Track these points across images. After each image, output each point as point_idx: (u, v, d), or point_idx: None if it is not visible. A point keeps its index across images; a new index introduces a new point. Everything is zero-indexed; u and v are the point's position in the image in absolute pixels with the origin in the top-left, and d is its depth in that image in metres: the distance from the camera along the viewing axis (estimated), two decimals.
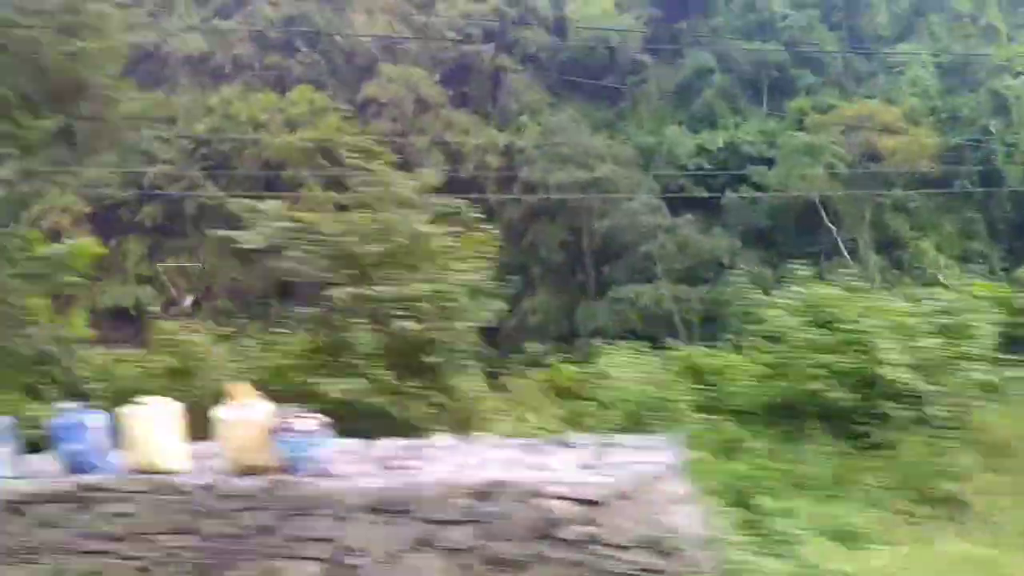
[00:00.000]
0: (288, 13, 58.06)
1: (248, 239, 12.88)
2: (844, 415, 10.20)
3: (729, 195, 45.21)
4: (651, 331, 34.18)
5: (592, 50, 55.17)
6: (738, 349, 13.97)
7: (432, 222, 12.68)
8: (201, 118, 52.29)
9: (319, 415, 5.76)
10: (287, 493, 5.35)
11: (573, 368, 15.19)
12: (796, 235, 45.15)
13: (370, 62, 55.13)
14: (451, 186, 49.69)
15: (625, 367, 13.21)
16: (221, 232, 15.97)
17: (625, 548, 4.76)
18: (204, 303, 50.92)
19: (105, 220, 49.23)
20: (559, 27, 58.95)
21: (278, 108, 49.93)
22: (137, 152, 50.16)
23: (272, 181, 51.26)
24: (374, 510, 5.20)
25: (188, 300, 50.91)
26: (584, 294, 46.80)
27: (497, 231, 14.90)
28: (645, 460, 5.49)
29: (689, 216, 44.75)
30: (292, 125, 49.87)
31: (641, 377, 12.43)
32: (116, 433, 5.83)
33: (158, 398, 5.97)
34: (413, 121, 49.42)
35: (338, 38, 57.12)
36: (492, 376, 15.30)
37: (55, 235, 49.05)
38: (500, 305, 13.29)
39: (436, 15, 59.64)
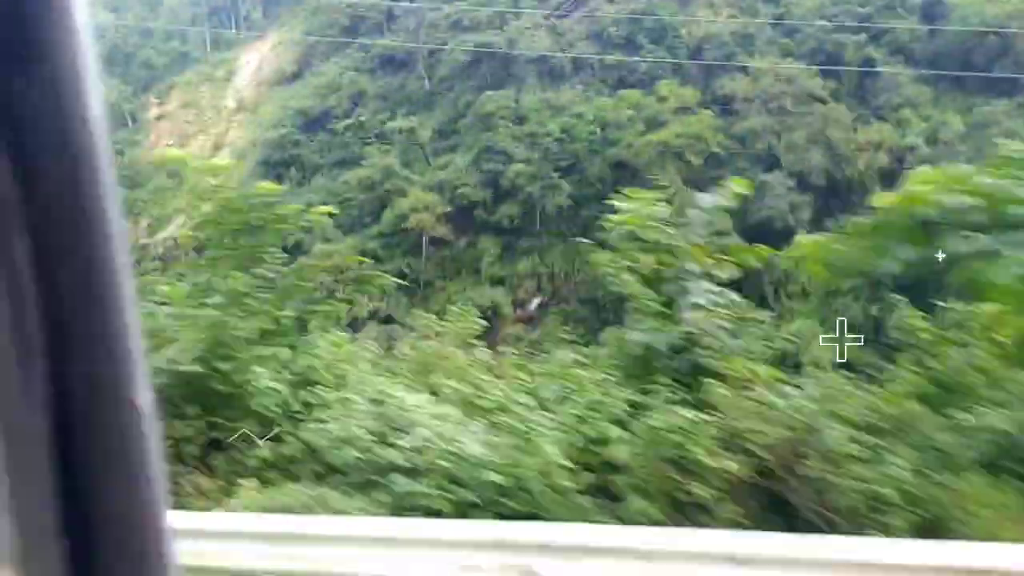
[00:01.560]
0: (630, 9, 55.94)
1: None
2: None
3: None
4: None
5: (981, 39, 48.65)
6: None
7: None
8: (550, 117, 50.93)
9: None
10: None
11: None
12: None
13: (722, 56, 51.56)
14: (833, 186, 45.00)
15: None
16: None
17: None
18: (551, 307, 49.46)
19: (463, 219, 48.97)
20: (931, 15, 52.94)
21: (636, 106, 47.48)
22: (493, 151, 49.61)
23: (621, 182, 48.84)
24: None
25: (535, 303, 49.62)
26: None
27: None
28: None
29: None
30: (651, 123, 47.26)
31: None
32: None
33: None
34: (787, 117, 45.27)
35: (684, 33, 54.20)
36: None
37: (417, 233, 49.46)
38: None
39: (785, 5, 55.37)
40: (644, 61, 52.88)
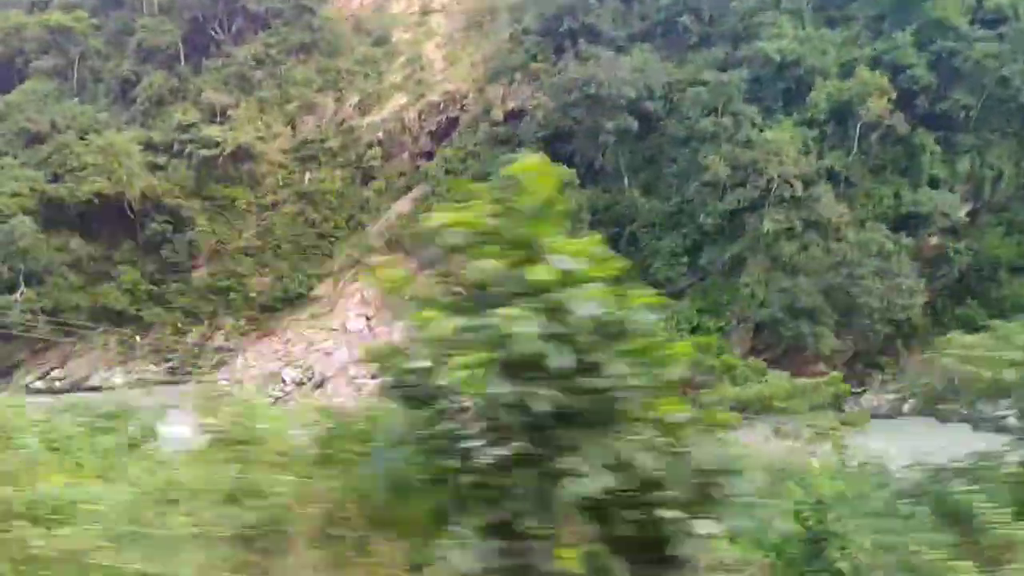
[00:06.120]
0: None
1: None
2: None
3: None
4: None
5: None
6: None
7: None
8: None
9: None
10: None
11: None
12: None
13: None
14: None
15: None
16: None
17: None
18: (986, 214, 42.70)
19: (901, 106, 41.17)
20: None
21: None
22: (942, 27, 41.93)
23: None
24: None
25: (963, 210, 42.64)
26: None
27: None
28: None
29: None
30: None
31: None
32: None
33: None
34: None
35: None
36: None
37: None
38: None
39: None
40: None
